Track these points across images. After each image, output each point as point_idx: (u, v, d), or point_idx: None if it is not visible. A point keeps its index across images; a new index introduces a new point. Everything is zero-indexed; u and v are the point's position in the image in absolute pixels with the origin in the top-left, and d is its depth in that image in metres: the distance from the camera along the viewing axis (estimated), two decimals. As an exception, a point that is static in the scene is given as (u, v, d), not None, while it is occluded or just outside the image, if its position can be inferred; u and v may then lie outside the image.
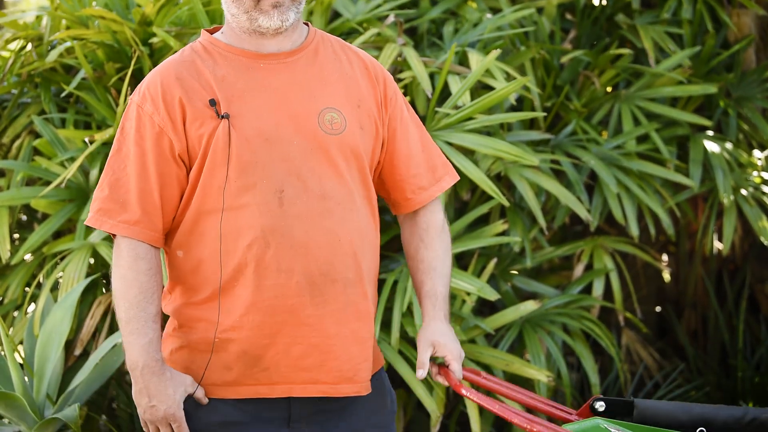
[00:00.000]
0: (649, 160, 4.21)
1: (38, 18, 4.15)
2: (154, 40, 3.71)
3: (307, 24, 2.62)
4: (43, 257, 3.81)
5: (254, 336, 2.47)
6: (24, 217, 4.16)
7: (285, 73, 2.52)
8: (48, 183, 3.77)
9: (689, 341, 4.89)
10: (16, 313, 3.89)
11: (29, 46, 3.96)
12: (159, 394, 2.44)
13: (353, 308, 2.52)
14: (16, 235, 4.08)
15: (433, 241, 2.70)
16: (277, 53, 2.52)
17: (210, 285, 2.49)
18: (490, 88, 3.80)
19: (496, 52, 3.58)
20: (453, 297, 3.60)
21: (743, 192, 4.32)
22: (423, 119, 3.66)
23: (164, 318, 2.61)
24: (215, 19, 3.69)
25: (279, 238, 2.45)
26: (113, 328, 3.67)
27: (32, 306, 3.86)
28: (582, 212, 3.89)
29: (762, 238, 4.32)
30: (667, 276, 5.06)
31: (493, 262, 3.77)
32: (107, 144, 3.68)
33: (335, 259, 2.48)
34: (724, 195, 4.19)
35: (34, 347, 3.51)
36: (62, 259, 3.72)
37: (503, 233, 3.87)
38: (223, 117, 2.44)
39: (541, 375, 3.61)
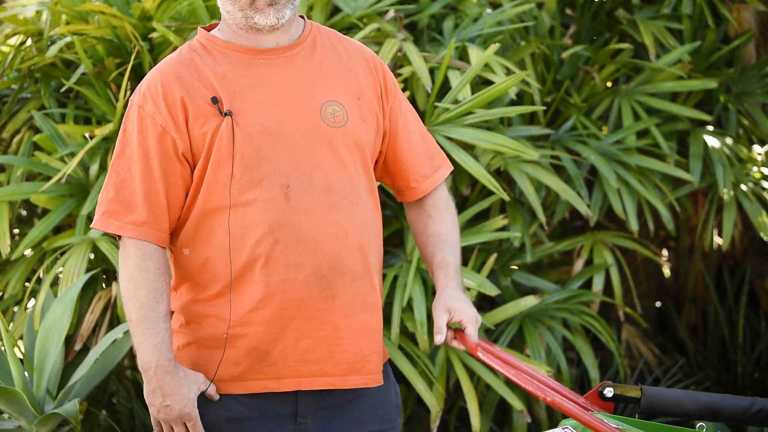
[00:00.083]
0: (649, 155, 4.21)
1: (38, 13, 4.15)
2: (154, 35, 3.71)
3: (302, 17, 2.62)
4: (43, 252, 3.81)
5: (263, 331, 2.47)
6: (24, 213, 4.16)
7: (285, 67, 2.52)
8: (48, 178, 3.77)
9: (689, 336, 4.90)
10: (16, 309, 3.89)
11: (29, 41, 3.95)
12: (173, 394, 2.44)
13: (361, 300, 2.53)
14: (16, 231, 4.08)
15: (441, 216, 2.71)
16: (276, 48, 2.52)
17: (218, 282, 2.49)
18: (490, 83, 3.80)
19: (495, 46, 3.58)
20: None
21: (743, 187, 4.33)
22: (423, 114, 3.66)
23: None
24: (215, 14, 3.68)
25: (287, 233, 2.45)
26: (113, 323, 3.67)
27: (32, 301, 3.87)
28: (581, 207, 3.89)
29: (762, 234, 4.32)
30: (667, 271, 5.06)
31: (493, 257, 3.77)
32: (107, 139, 3.69)
33: (343, 252, 2.49)
34: (724, 190, 4.20)
35: (34, 342, 3.51)
36: (62, 254, 3.72)
37: (503, 228, 3.87)
38: (226, 114, 2.44)
39: (540, 370, 3.61)
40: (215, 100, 2.45)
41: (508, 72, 3.85)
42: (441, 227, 2.70)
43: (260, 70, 2.50)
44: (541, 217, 3.82)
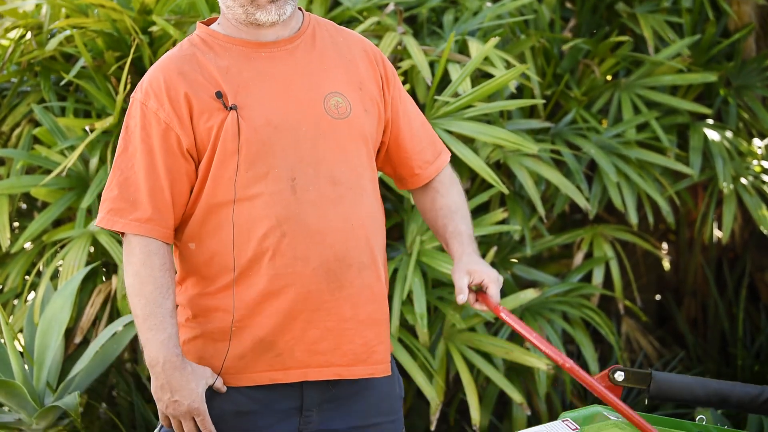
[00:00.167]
0: (649, 149, 4.21)
1: (38, 6, 4.15)
2: (154, 28, 3.71)
3: (300, 9, 2.62)
4: (42, 245, 3.82)
5: (270, 324, 2.47)
6: (24, 206, 4.16)
7: (286, 60, 2.51)
8: (48, 171, 3.77)
9: (689, 329, 4.90)
10: (16, 302, 3.90)
11: (29, 35, 3.96)
12: (182, 389, 2.43)
13: (368, 291, 2.53)
14: (16, 224, 4.08)
15: (448, 190, 2.72)
16: (276, 41, 2.52)
17: (225, 275, 2.49)
18: (490, 77, 3.80)
19: (495, 40, 3.58)
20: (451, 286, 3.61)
21: (743, 180, 4.33)
22: (422, 107, 3.66)
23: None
24: (214, 7, 3.68)
25: (294, 226, 2.45)
26: (113, 316, 3.68)
27: (32, 294, 3.87)
28: (581, 201, 3.89)
29: (762, 227, 4.32)
30: (666, 264, 5.06)
31: (493, 250, 3.77)
32: (107, 132, 3.69)
33: (349, 244, 2.49)
34: (723, 183, 4.20)
35: (34, 335, 3.52)
36: (62, 247, 3.72)
37: (503, 221, 3.87)
38: (231, 108, 2.44)
39: (540, 363, 3.61)
40: (220, 95, 2.44)
41: (508, 65, 3.84)
42: (449, 200, 2.71)
43: (262, 63, 2.50)
44: (541, 210, 3.82)
